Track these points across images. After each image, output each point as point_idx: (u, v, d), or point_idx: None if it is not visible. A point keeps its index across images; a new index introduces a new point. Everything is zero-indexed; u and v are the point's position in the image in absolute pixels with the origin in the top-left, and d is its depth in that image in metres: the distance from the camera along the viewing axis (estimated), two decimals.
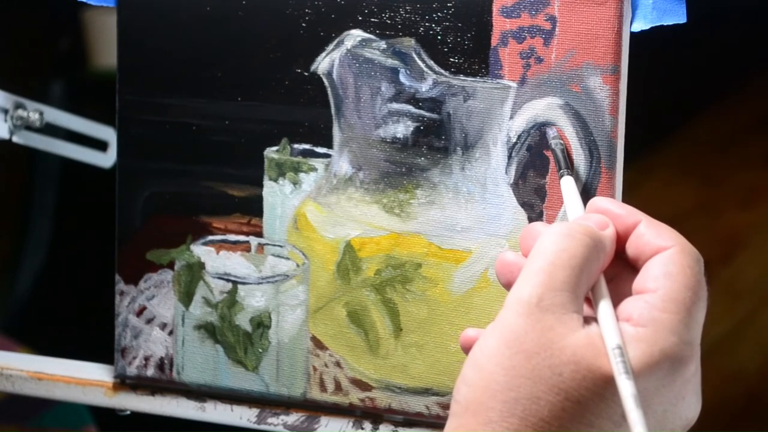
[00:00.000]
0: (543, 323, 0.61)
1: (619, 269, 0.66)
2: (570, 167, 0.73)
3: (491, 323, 0.63)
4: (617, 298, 0.64)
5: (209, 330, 0.82)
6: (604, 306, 0.63)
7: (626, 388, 0.59)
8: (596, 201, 0.67)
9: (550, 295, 0.61)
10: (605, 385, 0.60)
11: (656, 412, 0.62)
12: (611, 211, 0.66)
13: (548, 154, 0.74)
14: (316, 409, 0.81)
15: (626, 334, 0.61)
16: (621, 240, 0.66)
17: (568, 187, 0.71)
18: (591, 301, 0.64)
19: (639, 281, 0.64)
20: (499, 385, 0.61)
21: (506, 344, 0.61)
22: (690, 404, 0.64)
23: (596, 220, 0.66)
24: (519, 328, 0.61)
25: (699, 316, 0.63)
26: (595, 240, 0.64)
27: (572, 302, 0.62)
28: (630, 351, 0.60)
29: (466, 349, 0.65)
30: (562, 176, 0.72)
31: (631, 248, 0.65)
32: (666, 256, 0.63)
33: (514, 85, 0.75)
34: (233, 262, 0.81)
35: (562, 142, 0.74)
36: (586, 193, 0.74)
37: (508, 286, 0.65)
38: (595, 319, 0.63)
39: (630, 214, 0.66)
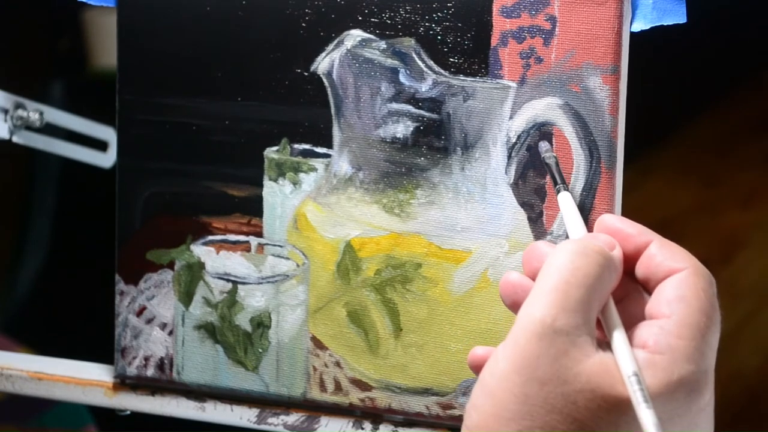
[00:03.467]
0: (557, 347, 0.59)
1: (629, 290, 0.64)
2: (565, 181, 0.72)
3: (502, 343, 0.61)
4: (628, 320, 0.62)
5: (209, 330, 0.82)
6: (618, 331, 0.61)
7: (647, 417, 0.57)
8: (605, 219, 0.66)
9: (564, 316, 0.59)
10: (620, 414, 0.58)
11: None
12: (622, 230, 0.65)
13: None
14: (316, 409, 0.81)
15: (642, 361, 0.59)
16: (631, 260, 0.64)
17: (567, 203, 0.70)
18: (600, 324, 0.63)
19: (652, 305, 0.62)
20: (510, 413, 0.59)
21: (517, 370, 0.59)
22: (703, 431, 0.62)
23: (604, 240, 0.64)
24: (531, 352, 0.59)
25: (713, 341, 0.61)
26: (607, 260, 0.62)
27: (585, 324, 0.60)
28: (647, 378, 0.59)
29: (475, 369, 0.63)
30: (558, 192, 0.71)
31: (642, 269, 0.64)
32: (679, 279, 0.62)
33: (513, 85, 0.75)
34: (233, 262, 0.81)
35: (555, 156, 0.73)
36: (587, 193, 0.74)
37: (513, 306, 0.63)
38: (606, 343, 0.61)
39: (641, 233, 0.64)
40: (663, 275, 0.63)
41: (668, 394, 0.59)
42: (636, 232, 0.65)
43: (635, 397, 0.58)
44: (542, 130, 0.74)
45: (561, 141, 0.74)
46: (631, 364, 0.59)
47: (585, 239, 0.64)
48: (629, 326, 0.62)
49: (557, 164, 0.73)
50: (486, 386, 0.60)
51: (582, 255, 0.61)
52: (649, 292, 0.63)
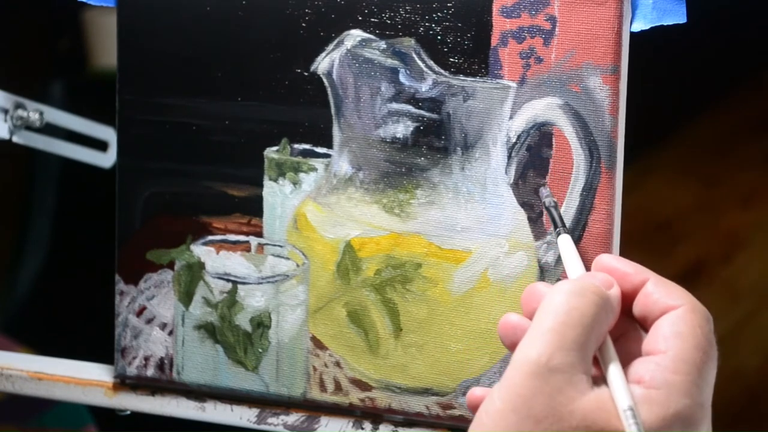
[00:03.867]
0: (552, 385, 0.59)
1: (626, 328, 0.65)
2: (565, 224, 0.72)
3: (497, 383, 0.61)
4: (625, 357, 0.63)
5: (209, 330, 0.82)
6: (614, 367, 0.61)
7: None
8: (603, 259, 0.66)
9: (559, 355, 0.60)
10: None
11: None
12: (618, 269, 0.65)
13: (548, 154, 0.74)
14: (316, 409, 0.81)
15: (638, 396, 0.60)
16: (628, 298, 0.65)
17: (566, 245, 0.70)
18: (598, 361, 0.63)
19: (649, 342, 0.63)
20: None
21: (513, 408, 0.60)
22: None
23: (602, 279, 0.64)
24: (527, 391, 0.60)
25: (710, 377, 0.62)
26: (604, 299, 0.62)
27: (581, 363, 0.60)
28: (643, 413, 0.59)
29: (473, 408, 0.64)
30: (558, 234, 0.71)
31: (639, 307, 0.64)
32: (675, 316, 0.62)
33: (513, 85, 0.75)
34: (233, 262, 0.81)
35: (555, 200, 0.73)
36: (587, 193, 0.74)
37: (512, 347, 0.63)
38: (603, 381, 0.61)
39: (638, 272, 0.65)
40: (659, 312, 0.63)
41: (665, 429, 0.60)
42: (633, 271, 0.65)
43: (630, 430, 0.58)
44: (542, 130, 0.74)
45: (561, 141, 0.74)
46: (626, 398, 0.60)
47: (581, 279, 0.65)
48: (626, 363, 0.62)
49: (557, 207, 0.73)
50: (482, 425, 0.61)
51: (578, 295, 0.62)
52: (646, 330, 0.64)
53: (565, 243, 0.70)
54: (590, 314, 0.61)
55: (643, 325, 0.64)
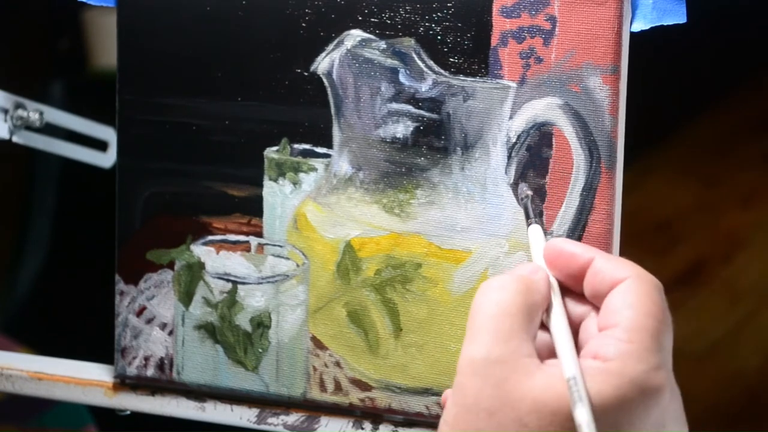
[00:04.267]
0: (496, 377, 0.61)
1: (587, 309, 0.66)
2: (536, 216, 0.73)
3: (451, 390, 0.63)
4: (587, 338, 0.64)
5: (209, 330, 0.82)
6: (561, 341, 0.63)
7: (582, 416, 0.58)
8: (551, 242, 0.68)
9: (497, 348, 0.61)
10: (572, 425, 0.59)
11: None
12: (565, 251, 0.66)
13: (548, 154, 0.75)
14: (316, 409, 0.81)
15: (594, 370, 0.60)
16: (580, 279, 0.66)
17: (535, 235, 0.71)
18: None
19: (602, 318, 0.63)
20: None
21: (466, 408, 0.61)
22: None
23: (527, 269, 0.66)
24: (474, 389, 0.61)
25: (665, 342, 0.62)
26: (527, 285, 0.64)
27: (522, 347, 0.61)
28: (598, 384, 0.60)
29: None
30: (529, 225, 0.72)
31: (589, 286, 0.65)
32: (623, 288, 0.63)
33: (513, 85, 0.75)
34: (233, 262, 0.81)
35: (528, 193, 0.74)
36: (587, 193, 0.74)
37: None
38: (551, 359, 0.62)
39: (584, 251, 0.66)
40: (608, 287, 0.64)
41: (624, 396, 0.60)
42: (580, 251, 0.66)
43: (571, 399, 0.59)
44: (542, 130, 0.74)
45: (561, 141, 0.74)
46: (571, 367, 0.60)
47: (502, 275, 0.66)
48: (586, 343, 0.63)
49: (533, 200, 0.74)
50: None
51: (500, 289, 0.63)
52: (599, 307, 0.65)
53: (534, 233, 0.71)
54: (516, 302, 0.63)
55: (597, 303, 0.65)
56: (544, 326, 0.65)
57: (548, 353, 0.64)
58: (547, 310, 0.65)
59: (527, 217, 0.73)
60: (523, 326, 0.62)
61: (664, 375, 0.61)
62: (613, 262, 0.65)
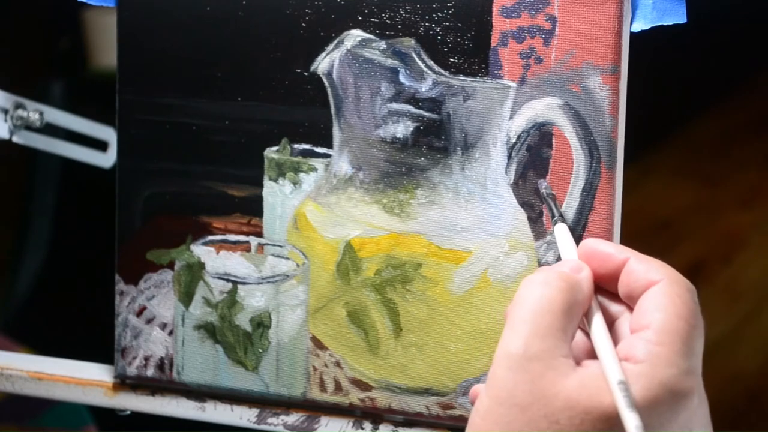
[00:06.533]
0: (532, 373, 0.61)
1: (621, 309, 0.66)
2: (561, 214, 0.73)
3: (485, 383, 0.63)
4: (620, 339, 0.64)
5: (209, 330, 0.82)
6: (602, 344, 0.63)
7: (631, 421, 0.58)
8: (586, 243, 0.68)
9: (535, 344, 0.61)
10: (604, 426, 0.60)
11: None
12: (600, 251, 0.67)
13: (548, 154, 0.75)
14: (316, 409, 0.81)
15: (625, 372, 0.61)
16: (614, 279, 0.66)
17: (562, 234, 0.71)
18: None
19: (634, 319, 0.64)
20: None
21: (499, 402, 0.61)
22: None
23: (570, 266, 0.66)
24: (509, 383, 0.61)
25: (696, 346, 0.62)
26: (570, 284, 0.64)
27: (559, 347, 0.62)
28: (630, 387, 0.60)
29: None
30: (555, 223, 0.72)
31: (623, 286, 0.65)
32: (656, 290, 0.63)
33: (513, 85, 0.75)
34: (233, 262, 0.81)
35: (552, 192, 0.74)
36: (587, 193, 0.74)
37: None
38: (586, 360, 0.63)
39: (619, 252, 0.66)
40: (642, 289, 0.64)
41: (653, 399, 0.60)
42: (614, 251, 0.66)
43: (620, 404, 0.59)
44: (542, 130, 0.75)
45: (561, 141, 0.74)
46: (617, 373, 0.60)
47: (546, 269, 0.66)
48: (618, 344, 0.63)
49: (554, 198, 0.74)
50: (474, 424, 0.62)
51: (544, 284, 0.63)
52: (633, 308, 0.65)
53: (561, 231, 0.71)
54: (559, 300, 0.63)
55: (630, 303, 0.65)
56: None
57: (581, 353, 0.65)
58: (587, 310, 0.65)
59: (552, 215, 0.73)
60: (562, 325, 0.62)
61: (693, 379, 0.62)
62: (647, 264, 0.65)
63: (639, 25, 0.74)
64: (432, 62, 0.76)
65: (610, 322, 0.65)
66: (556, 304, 0.63)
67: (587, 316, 0.65)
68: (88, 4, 0.83)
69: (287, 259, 0.80)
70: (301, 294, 0.80)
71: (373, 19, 0.77)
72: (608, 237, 0.74)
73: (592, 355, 0.64)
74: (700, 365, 0.63)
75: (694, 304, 0.63)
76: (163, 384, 0.84)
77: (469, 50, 0.75)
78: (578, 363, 0.62)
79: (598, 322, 0.64)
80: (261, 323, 0.81)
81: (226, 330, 0.82)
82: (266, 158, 0.80)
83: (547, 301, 0.63)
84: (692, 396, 0.61)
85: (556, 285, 0.63)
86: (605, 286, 0.67)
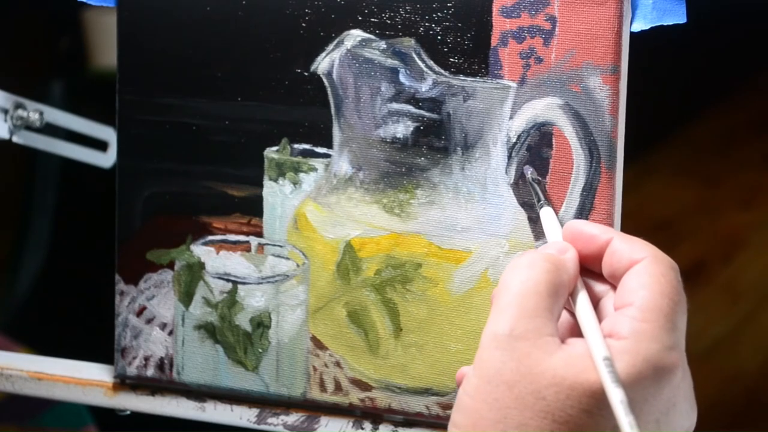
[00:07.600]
0: (519, 352, 0.62)
1: (605, 289, 0.67)
2: (548, 198, 0.74)
3: (472, 365, 0.64)
4: (604, 317, 0.65)
5: (209, 330, 0.82)
6: (588, 322, 0.64)
7: (615, 395, 0.59)
8: (570, 224, 0.69)
9: (521, 324, 0.62)
10: (589, 401, 0.61)
11: (648, 423, 0.62)
12: (584, 232, 0.68)
13: (548, 154, 0.75)
14: (316, 409, 0.81)
15: (610, 348, 0.61)
16: (599, 259, 0.67)
17: (548, 216, 0.72)
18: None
19: (618, 297, 0.64)
20: (486, 420, 0.62)
21: (487, 380, 0.62)
22: (683, 412, 0.64)
23: (556, 247, 0.67)
24: (497, 362, 0.62)
25: (679, 322, 0.63)
26: (556, 265, 0.65)
27: (545, 326, 0.63)
28: (615, 363, 0.61)
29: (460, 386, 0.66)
30: (541, 207, 0.73)
31: (607, 266, 0.66)
32: (639, 268, 0.64)
33: (513, 85, 0.75)
34: (233, 262, 0.81)
35: (538, 177, 0.74)
36: (587, 193, 0.74)
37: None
38: (571, 338, 0.63)
39: (603, 232, 0.67)
40: (625, 268, 0.65)
41: (638, 374, 0.61)
42: (598, 231, 0.67)
43: (605, 379, 0.60)
44: (542, 130, 0.75)
45: (561, 141, 0.74)
46: (601, 349, 0.61)
47: (532, 251, 0.67)
48: (602, 322, 0.64)
49: (540, 183, 0.74)
50: (461, 403, 0.63)
51: (529, 267, 0.64)
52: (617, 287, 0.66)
53: (547, 215, 0.72)
54: (544, 281, 0.64)
55: (614, 283, 0.66)
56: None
57: (566, 331, 0.65)
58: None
59: (538, 199, 0.74)
60: (548, 305, 0.63)
61: (677, 355, 0.62)
62: (630, 243, 0.66)
63: (639, 25, 0.74)
64: (432, 62, 0.76)
65: (595, 302, 0.66)
66: (541, 285, 0.64)
67: (572, 295, 0.66)
68: (88, 4, 0.83)
69: (287, 259, 0.80)
70: (301, 294, 0.80)
71: (373, 19, 0.77)
72: None
73: (578, 333, 0.64)
74: (684, 341, 0.63)
75: (677, 281, 0.64)
76: (163, 384, 0.84)
77: (469, 50, 0.75)
78: (564, 341, 0.63)
79: (583, 301, 0.65)
80: (261, 323, 0.81)
81: (226, 330, 0.82)
82: (266, 158, 0.80)
83: (533, 283, 0.64)
84: (676, 371, 0.62)
85: (542, 266, 0.64)
86: (590, 266, 0.67)
